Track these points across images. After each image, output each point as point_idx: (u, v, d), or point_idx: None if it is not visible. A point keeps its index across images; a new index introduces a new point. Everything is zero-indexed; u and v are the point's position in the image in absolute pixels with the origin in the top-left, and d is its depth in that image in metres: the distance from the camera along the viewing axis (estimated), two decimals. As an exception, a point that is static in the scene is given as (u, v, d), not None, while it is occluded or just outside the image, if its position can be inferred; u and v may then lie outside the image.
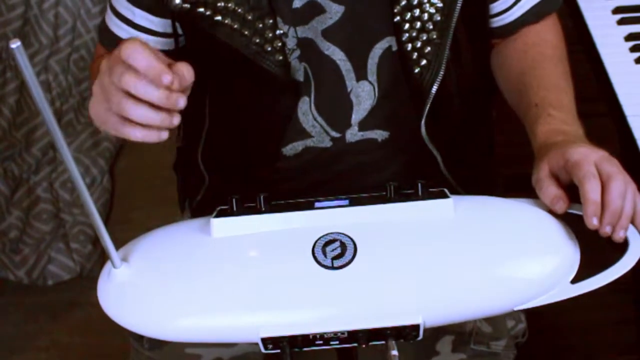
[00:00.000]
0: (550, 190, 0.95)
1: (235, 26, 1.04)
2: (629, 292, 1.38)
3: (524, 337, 1.20)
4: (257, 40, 1.04)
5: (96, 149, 2.24)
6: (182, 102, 0.83)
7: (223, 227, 0.90)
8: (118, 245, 0.88)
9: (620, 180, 0.91)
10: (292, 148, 1.11)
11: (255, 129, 1.13)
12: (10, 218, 2.12)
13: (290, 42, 1.07)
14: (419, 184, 0.91)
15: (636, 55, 1.30)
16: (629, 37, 1.33)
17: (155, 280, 0.88)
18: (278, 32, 1.05)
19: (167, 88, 0.82)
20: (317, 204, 0.92)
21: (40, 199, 2.16)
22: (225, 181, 1.18)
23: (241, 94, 1.11)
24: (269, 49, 1.05)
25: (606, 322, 1.76)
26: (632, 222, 0.92)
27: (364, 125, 1.10)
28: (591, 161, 0.93)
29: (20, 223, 2.12)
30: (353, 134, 1.11)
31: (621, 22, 1.36)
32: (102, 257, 2.06)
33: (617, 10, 1.39)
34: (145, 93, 0.82)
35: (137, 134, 0.85)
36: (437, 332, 1.16)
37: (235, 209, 0.91)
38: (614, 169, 0.92)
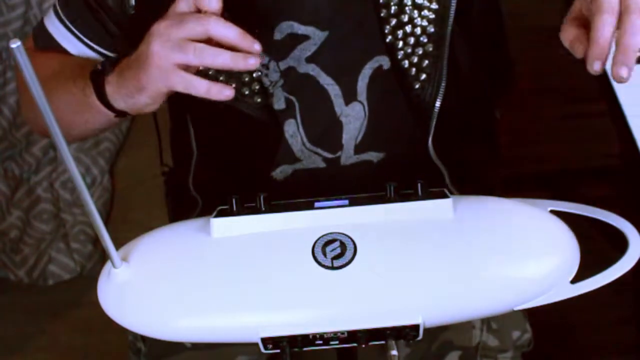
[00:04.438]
0: (567, 33, 0.84)
1: (210, 72, 1.02)
2: (629, 292, 1.38)
3: (529, 346, 1.20)
4: (234, 85, 1.01)
5: (96, 149, 2.24)
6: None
7: (223, 227, 0.90)
8: (118, 245, 0.88)
9: (637, 13, 0.77)
10: (282, 171, 1.09)
11: (242, 157, 1.11)
12: (10, 218, 2.12)
13: (273, 76, 1.04)
14: (419, 184, 0.91)
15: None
16: (629, 37, 1.32)
17: (155, 280, 0.88)
18: (255, 74, 1.03)
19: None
20: (317, 204, 0.92)
21: (41, 199, 2.16)
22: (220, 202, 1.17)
23: (224, 128, 1.09)
24: (247, 92, 1.04)
25: (606, 322, 1.76)
26: None
27: (358, 148, 1.08)
28: None
29: (21, 223, 2.12)
30: (348, 157, 1.08)
31: (621, 22, 1.36)
32: (102, 257, 2.07)
33: (617, 10, 1.38)
34: (227, 31, 0.85)
35: (202, 87, 0.87)
36: (443, 348, 1.15)
37: (235, 209, 0.91)
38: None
